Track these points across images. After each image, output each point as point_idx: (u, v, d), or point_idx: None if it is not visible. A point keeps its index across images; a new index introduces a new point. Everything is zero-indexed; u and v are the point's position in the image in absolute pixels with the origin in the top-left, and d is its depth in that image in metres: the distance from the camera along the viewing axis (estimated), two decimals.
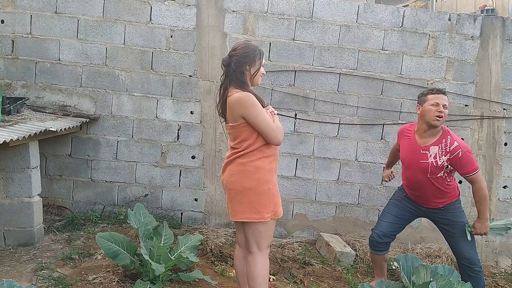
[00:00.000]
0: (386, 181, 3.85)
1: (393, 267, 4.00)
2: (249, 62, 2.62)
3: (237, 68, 2.61)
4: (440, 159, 3.16)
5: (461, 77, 4.47)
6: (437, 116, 3.13)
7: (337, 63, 4.43)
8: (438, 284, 2.84)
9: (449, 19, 4.42)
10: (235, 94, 2.57)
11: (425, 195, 3.30)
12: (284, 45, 4.39)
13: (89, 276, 3.20)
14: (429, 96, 3.20)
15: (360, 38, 4.41)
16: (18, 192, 3.58)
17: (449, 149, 3.15)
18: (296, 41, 4.40)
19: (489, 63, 4.47)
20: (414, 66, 4.45)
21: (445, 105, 3.17)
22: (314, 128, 4.48)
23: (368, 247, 3.73)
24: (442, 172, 3.20)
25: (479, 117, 4.52)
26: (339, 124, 4.49)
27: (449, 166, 3.17)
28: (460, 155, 3.12)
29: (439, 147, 3.18)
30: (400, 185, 3.60)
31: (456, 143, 3.16)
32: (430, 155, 3.19)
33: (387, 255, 3.52)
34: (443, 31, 4.42)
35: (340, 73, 4.43)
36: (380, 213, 4.49)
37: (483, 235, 3.30)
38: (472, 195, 3.21)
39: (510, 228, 3.35)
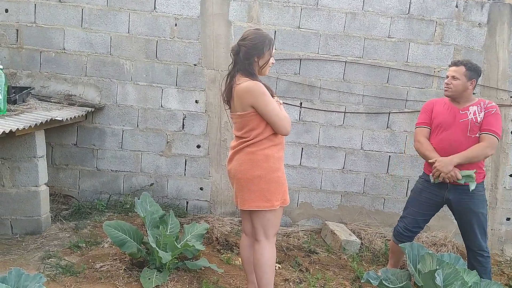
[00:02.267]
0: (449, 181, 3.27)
1: None
2: (258, 54, 2.61)
3: (246, 59, 2.59)
4: (479, 116, 3.20)
5: None
6: (444, 87, 3.31)
7: (343, 51, 4.39)
8: (444, 272, 2.85)
9: (456, 6, 4.37)
10: (244, 83, 2.55)
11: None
12: (289, 33, 4.36)
13: (97, 264, 3.23)
14: (448, 68, 3.37)
15: (366, 26, 4.37)
16: (25, 181, 3.61)
17: (486, 106, 3.23)
18: (301, 29, 4.36)
19: (497, 50, 4.43)
20: (421, 54, 4.41)
21: (454, 76, 3.24)
22: (320, 116, 4.47)
23: (376, 236, 3.72)
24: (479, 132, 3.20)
25: None
26: (345, 112, 4.47)
27: None
28: (493, 112, 3.20)
29: (478, 106, 3.25)
30: (421, 174, 3.49)
31: (493, 104, 3.25)
32: (470, 113, 3.24)
33: None
34: (450, 18, 4.37)
35: (345, 61, 4.40)
36: (384, 202, 4.54)
37: (442, 176, 3.14)
38: None
39: (472, 177, 3.21)
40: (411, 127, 4.36)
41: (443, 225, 4.43)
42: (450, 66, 3.34)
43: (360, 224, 4.48)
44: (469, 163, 3.17)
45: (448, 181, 3.19)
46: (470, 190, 3.19)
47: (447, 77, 3.30)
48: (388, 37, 4.39)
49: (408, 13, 4.36)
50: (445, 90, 3.30)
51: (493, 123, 3.17)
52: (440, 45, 4.40)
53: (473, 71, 3.24)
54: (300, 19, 4.35)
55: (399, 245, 3.36)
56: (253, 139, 2.59)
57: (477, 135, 3.20)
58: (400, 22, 4.37)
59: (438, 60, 4.41)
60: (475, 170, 3.19)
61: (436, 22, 4.37)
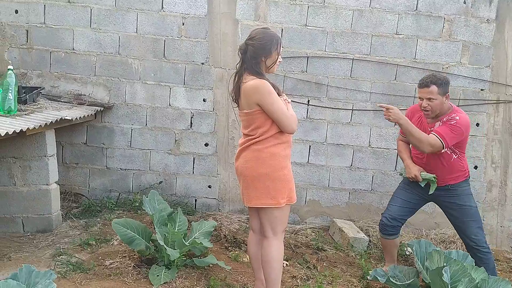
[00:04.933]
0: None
1: (407, 253, 4.01)
2: (266, 54, 2.62)
3: (253, 58, 2.61)
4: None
5: (477, 61, 4.40)
6: (423, 112, 3.24)
7: (350, 48, 4.38)
8: (452, 269, 2.84)
9: (465, 2, 4.33)
10: (251, 81, 2.57)
11: (432, 172, 3.30)
12: (296, 31, 4.36)
13: (106, 261, 3.27)
14: (418, 89, 3.28)
15: (374, 23, 4.35)
16: (36, 180, 3.66)
17: (448, 119, 3.18)
18: (308, 27, 4.36)
19: (505, 46, 4.39)
20: (429, 50, 4.38)
21: (430, 98, 3.15)
22: (327, 114, 4.47)
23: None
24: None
25: (495, 102, 4.45)
26: (352, 110, 4.47)
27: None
28: (451, 123, 3.14)
29: (441, 121, 3.22)
30: None
31: (457, 117, 3.16)
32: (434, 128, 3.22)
33: (397, 240, 3.53)
34: (458, 14, 4.34)
35: (353, 59, 4.40)
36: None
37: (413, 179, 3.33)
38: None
39: (433, 181, 3.30)
40: None
41: None
42: (419, 87, 3.23)
43: (368, 222, 4.47)
44: (411, 141, 3.21)
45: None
46: (429, 194, 3.33)
47: (421, 99, 3.19)
48: (396, 34, 4.37)
49: (416, 9, 4.34)
50: (426, 115, 3.24)
51: (444, 130, 3.12)
52: (449, 42, 4.37)
53: (444, 85, 3.17)
54: (307, 17, 4.34)
55: (406, 243, 3.37)
56: (259, 137, 2.61)
57: (443, 151, 3.18)
58: (407, 19, 4.35)
59: (447, 57, 4.38)
60: (435, 175, 3.26)
61: (444, 18, 4.35)
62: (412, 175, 3.33)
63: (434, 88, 3.13)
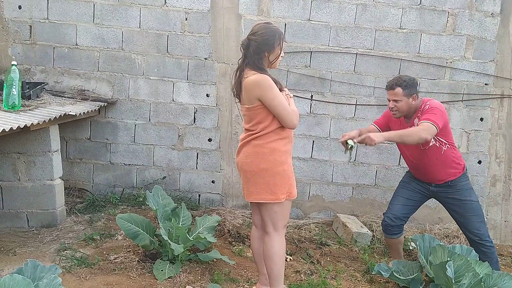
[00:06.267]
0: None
1: (410, 248, 4.00)
2: (268, 49, 2.62)
3: (256, 54, 2.60)
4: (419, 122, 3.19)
5: (481, 55, 4.38)
6: (392, 112, 3.32)
7: (354, 43, 4.37)
8: (455, 263, 2.84)
9: None
10: (252, 76, 2.57)
11: (427, 170, 3.32)
12: (300, 26, 4.34)
13: (111, 256, 3.29)
14: (386, 91, 3.36)
15: (377, 17, 4.33)
16: (40, 175, 3.67)
17: (422, 108, 3.24)
18: (311, 22, 4.35)
19: (510, 40, 4.36)
20: (433, 45, 4.36)
21: (395, 99, 3.24)
22: (331, 109, 4.46)
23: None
24: (433, 140, 3.21)
25: (499, 96, 4.43)
26: (356, 105, 4.46)
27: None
28: (426, 108, 3.20)
29: (418, 114, 3.26)
30: (408, 169, 3.60)
31: (427, 103, 3.25)
32: (415, 125, 3.23)
33: (402, 237, 3.52)
34: (462, 8, 4.31)
35: (356, 53, 4.38)
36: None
37: (367, 141, 3.10)
38: None
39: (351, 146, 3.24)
40: None
41: None
42: (386, 89, 3.33)
43: (371, 216, 4.48)
44: (399, 141, 3.22)
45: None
46: (345, 154, 3.44)
47: (389, 100, 3.30)
48: (400, 28, 4.35)
49: (420, 3, 4.31)
50: (393, 115, 3.32)
51: (427, 116, 3.14)
52: (453, 36, 4.35)
53: (410, 87, 3.23)
54: (311, 11, 4.33)
55: (410, 237, 3.37)
56: (260, 132, 2.61)
57: (431, 145, 3.23)
58: (411, 13, 4.32)
59: (451, 51, 4.36)
60: (355, 141, 3.15)
61: (448, 12, 4.32)
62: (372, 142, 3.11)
63: (399, 90, 3.23)
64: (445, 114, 3.23)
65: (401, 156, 3.60)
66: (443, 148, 3.26)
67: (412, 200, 3.46)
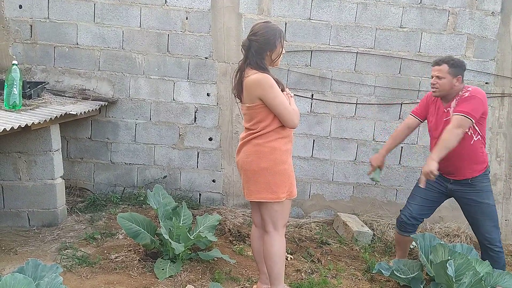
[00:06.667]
0: (372, 168, 3.54)
1: (411, 246, 4.00)
2: (270, 48, 2.62)
3: (258, 54, 2.60)
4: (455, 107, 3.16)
5: (482, 54, 4.38)
6: (431, 88, 3.27)
7: (354, 42, 4.37)
8: (456, 262, 2.84)
9: None
10: (253, 75, 2.57)
11: (452, 160, 3.16)
12: (300, 25, 4.34)
13: (112, 255, 3.29)
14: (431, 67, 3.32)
15: (378, 16, 4.33)
16: (41, 175, 3.68)
17: (462, 93, 3.18)
18: (312, 21, 4.35)
19: (510, 39, 4.36)
20: (433, 44, 4.36)
21: (438, 75, 3.19)
22: (331, 108, 4.46)
23: (388, 227, 3.72)
24: None
25: (499, 95, 4.43)
26: (356, 104, 4.46)
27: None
28: (465, 96, 3.15)
29: (456, 99, 3.20)
30: None
31: (469, 88, 3.18)
32: (451, 109, 3.19)
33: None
34: (463, 7, 4.31)
35: (357, 52, 4.38)
36: (397, 193, 4.53)
37: (428, 176, 3.05)
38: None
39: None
40: None
41: (456, 216, 4.38)
42: (432, 65, 3.27)
43: (372, 215, 4.48)
44: (448, 150, 3.06)
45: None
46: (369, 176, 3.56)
47: (432, 77, 3.24)
48: (400, 27, 4.35)
49: (420, 2, 4.31)
50: (433, 91, 3.27)
51: (462, 106, 3.10)
52: (453, 35, 4.35)
53: (457, 67, 3.17)
54: (311, 10, 4.33)
55: (411, 236, 3.36)
56: (260, 131, 2.61)
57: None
58: (412, 12, 4.32)
59: (451, 50, 4.36)
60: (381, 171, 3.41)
61: (449, 11, 4.32)
62: (428, 170, 3.03)
63: (444, 66, 3.17)
64: (485, 102, 3.16)
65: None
66: (474, 138, 3.17)
67: (429, 200, 3.38)
